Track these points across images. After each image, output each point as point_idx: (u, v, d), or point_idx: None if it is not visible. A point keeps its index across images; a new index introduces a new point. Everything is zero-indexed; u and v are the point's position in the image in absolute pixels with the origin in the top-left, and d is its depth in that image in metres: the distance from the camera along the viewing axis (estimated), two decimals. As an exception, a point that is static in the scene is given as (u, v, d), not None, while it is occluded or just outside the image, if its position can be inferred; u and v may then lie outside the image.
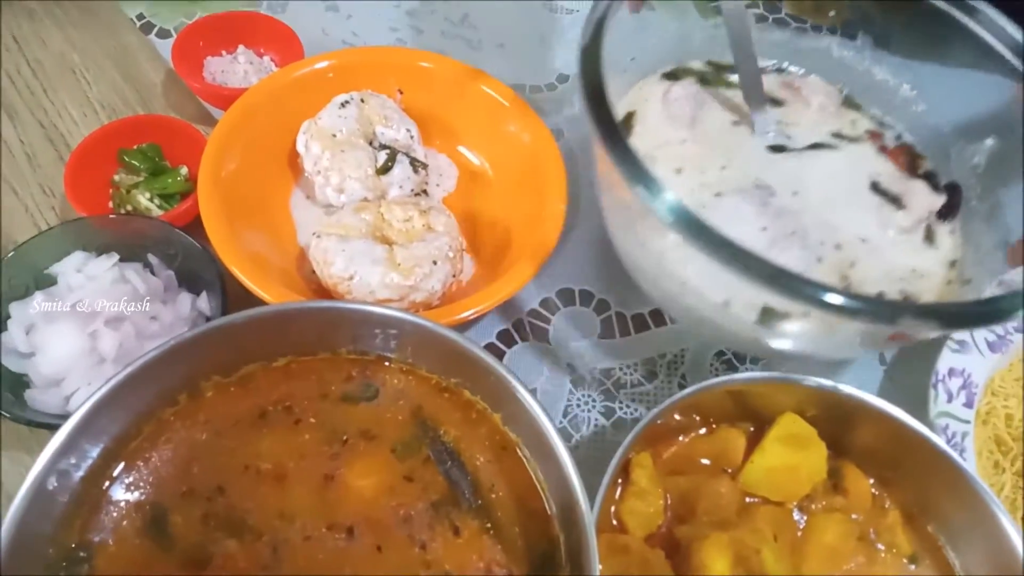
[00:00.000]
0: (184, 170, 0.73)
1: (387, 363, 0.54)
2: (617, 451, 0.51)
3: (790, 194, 0.58)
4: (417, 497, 0.49)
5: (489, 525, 0.49)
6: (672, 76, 0.67)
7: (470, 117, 0.78)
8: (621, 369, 0.69)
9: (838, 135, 0.64)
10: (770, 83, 0.66)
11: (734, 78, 0.64)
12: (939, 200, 0.59)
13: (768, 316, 0.51)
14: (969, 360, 0.65)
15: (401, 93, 0.78)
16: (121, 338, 0.58)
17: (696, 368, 0.70)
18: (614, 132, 0.49)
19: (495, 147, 0.78)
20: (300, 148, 0.72)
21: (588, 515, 0.44)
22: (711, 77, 0.67)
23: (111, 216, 0.68)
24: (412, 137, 0.74)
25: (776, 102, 0.66)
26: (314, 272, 0.66)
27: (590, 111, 0.50)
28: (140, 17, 0.89)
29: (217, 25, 0.84)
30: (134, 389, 0.47)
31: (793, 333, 0.52)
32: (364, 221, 0.66)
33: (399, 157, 0.72)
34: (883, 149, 0.64)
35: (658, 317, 0.72)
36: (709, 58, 0.68)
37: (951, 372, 0.64)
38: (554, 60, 0.92)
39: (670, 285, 0.55)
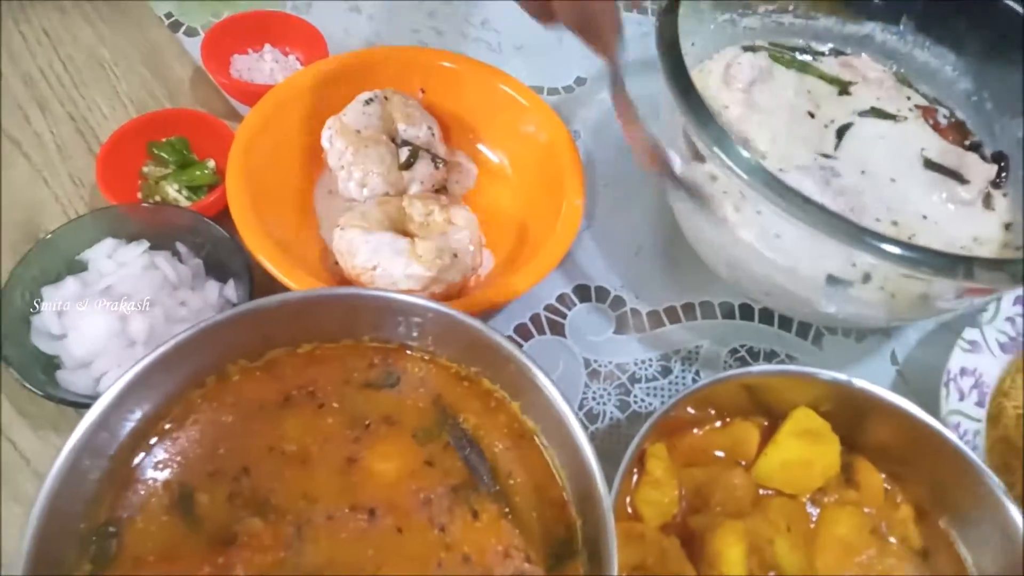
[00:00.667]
0: (211, 163, 0.74)
1: (408, 351, 0.55)
2: (633, 440, 0.52)
3: (853, 173, 0.61)
4: (437, 481, 0.50)
5: (507, 510, 0.50)
6: (751, 49, 0.70)
7: (490, 116, 0.80)
8: (636, 364, 0.70)
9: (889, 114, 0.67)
10: (829, 65, 0.71)
11: (805, 58, 0.70)
12: (993, 170, 0.63)
13: (833, 281, 0.54)
14: (981, 360, 0.66)
15: (423, 92, 0.80)
16: (151, 322, 0.59)
17: (710, 364, 0.71)
18: (694, 96, 0.52)
19: (514, 146, 0.79)
20: (324, 143, 0.73)
21: (607, 498, 0.45)
22: (779, 56, 0.71)
23: (142, 205, 0.70)
24: (433, 135, 0.76)
25: (841, 84, 0.69)
26: (337, 263, 0.67)
27: (670, 80, 0.54)
28: (168, 15, 0.91)
29: (244, 24, 0.86)
30: (165, 369, 0.49)
31: (856, 298, 0.55)
32: (386, 215, 0.67)
33: (420, 154, 0.73)
34: (936, 126, 0.67)
35: (672, 314, 0.73)
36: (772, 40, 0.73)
37: (963, 371, 0.64)
38: (572, 63, 0.93)
39: (737, 252, 0.57)
